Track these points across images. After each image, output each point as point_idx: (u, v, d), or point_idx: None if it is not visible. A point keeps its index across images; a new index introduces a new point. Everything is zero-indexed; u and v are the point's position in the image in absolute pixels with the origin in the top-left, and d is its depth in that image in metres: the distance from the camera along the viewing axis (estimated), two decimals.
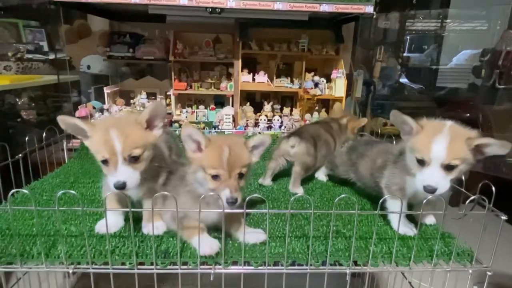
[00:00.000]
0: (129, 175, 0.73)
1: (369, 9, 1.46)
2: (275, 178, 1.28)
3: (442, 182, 0.77)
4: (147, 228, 0.84)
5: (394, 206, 0.89)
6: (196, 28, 1.91)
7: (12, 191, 0.70)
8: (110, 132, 0.72)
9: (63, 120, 0.74)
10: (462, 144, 0.77)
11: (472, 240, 0.85)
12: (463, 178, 0.91)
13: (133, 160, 0.74)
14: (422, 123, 0.83)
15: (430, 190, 0.77)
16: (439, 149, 0.76)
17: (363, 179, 1.10)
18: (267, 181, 1.26)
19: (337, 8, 1.46)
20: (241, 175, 0.76)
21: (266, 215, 0.77)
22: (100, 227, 0.86)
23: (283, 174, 1.29)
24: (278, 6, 1.44)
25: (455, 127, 0.81)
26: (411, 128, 0.84)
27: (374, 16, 1.49)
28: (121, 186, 0.72)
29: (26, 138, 1.10)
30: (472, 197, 0.76)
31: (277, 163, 1.25)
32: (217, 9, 1.45)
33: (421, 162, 0.80)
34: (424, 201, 0.77)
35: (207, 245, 0.76)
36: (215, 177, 0.74)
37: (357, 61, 1.96)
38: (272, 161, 1.26)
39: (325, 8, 1.45)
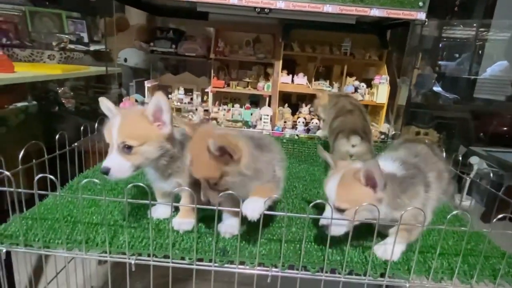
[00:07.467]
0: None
1: (421, 15, 1.42)
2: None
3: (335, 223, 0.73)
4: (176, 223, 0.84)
5: None
6: (238, 27, 1.92)
7: (85, 180, 0.72)
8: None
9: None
10: (350, 186, 0.72)
11: None
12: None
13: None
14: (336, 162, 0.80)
15: (324, 229, 0.76)
16: (329, 193, 0.76)
17: None
18: None
19: (388, 13, 1.42)
20: None
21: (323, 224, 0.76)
22: (154, 212, 0.90)
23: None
24: (327, 8, 1.42)
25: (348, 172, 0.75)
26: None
27: (426, 23, 1.45)
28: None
29: (81, 128, 1.13)
30: None
31: None
32: (266, 9, 1.44)
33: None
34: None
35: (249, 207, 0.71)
36: None
37: (402, 68, 1.91)
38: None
39: (376, 12, 1.42)
